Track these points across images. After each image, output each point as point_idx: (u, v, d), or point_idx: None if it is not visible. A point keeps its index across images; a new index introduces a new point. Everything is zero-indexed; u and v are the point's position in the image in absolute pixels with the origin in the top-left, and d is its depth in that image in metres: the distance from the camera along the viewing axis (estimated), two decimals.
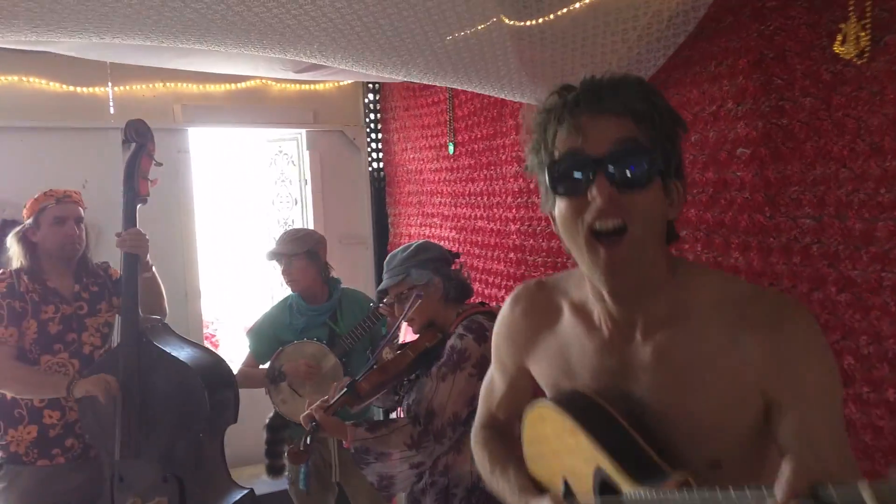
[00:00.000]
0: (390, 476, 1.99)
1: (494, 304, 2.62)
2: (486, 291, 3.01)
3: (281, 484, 3.10)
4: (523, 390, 1.28)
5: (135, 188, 2.46)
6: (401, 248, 2.22)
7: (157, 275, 2.60)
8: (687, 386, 1.00)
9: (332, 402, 2.01)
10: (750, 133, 1.80)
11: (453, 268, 2.20)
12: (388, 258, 2.20)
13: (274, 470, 2.77)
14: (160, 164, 2.61)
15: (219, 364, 2.54)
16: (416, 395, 2.08)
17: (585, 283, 1.08)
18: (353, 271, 3.85)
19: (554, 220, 1.03)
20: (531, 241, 2.69)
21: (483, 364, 1.99)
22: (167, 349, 2.41)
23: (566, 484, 1.08)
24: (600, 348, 1.07)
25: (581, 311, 1.11)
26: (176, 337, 2.54)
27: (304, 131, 4.06)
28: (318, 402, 2.02)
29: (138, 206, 2.49)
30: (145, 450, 2.35)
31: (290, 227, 2.89)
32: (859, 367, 1.59)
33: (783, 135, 1.72)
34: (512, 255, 2.83)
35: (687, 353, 1.00)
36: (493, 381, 1.33)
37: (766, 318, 0.97)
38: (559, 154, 0.98)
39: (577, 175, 0.96)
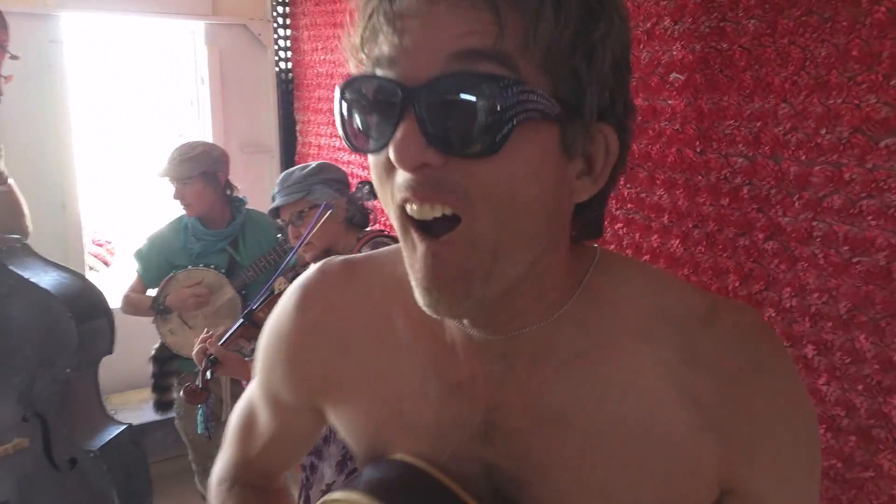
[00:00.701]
0: None
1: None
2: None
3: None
4: (303, 434, 0.84)
5: None
6: (298, 166, 2.05)
7: (15, 188, 2.27)
8: (600, 465, 0.61)
9: (228, 334, 1.81)
10: (686, 56, 1.60)
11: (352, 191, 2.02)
12: (282, 176, 2.00)
13: (161, 405, 2.56)
14: (16, 58, 2.23)
15: (89, 290, 2.27)
16: None
17: None
18: (256, 183, 3.55)
19: None
20: None
21: None
22: (25, 275, 2.12)
23: None
24: (454, 388, 0.65)
25: (423, 323, 0.66)
26: (38, 260, 2.24)
27: (201, 23, 3.61)
28: (206, 335, 1.81)
29: None
30: (0, 388, 2.10)
31: (185, 141, 2.55)
32: (780, 320, 1.49)
33: (722, 60, 1.54)
34: None
35: (602, 410, 0.61)
36: (254, 415, 0.84)
37: (733, 361, 0.60)
38: (361, 70, 0.56)
39: (382, 114, 0.53)
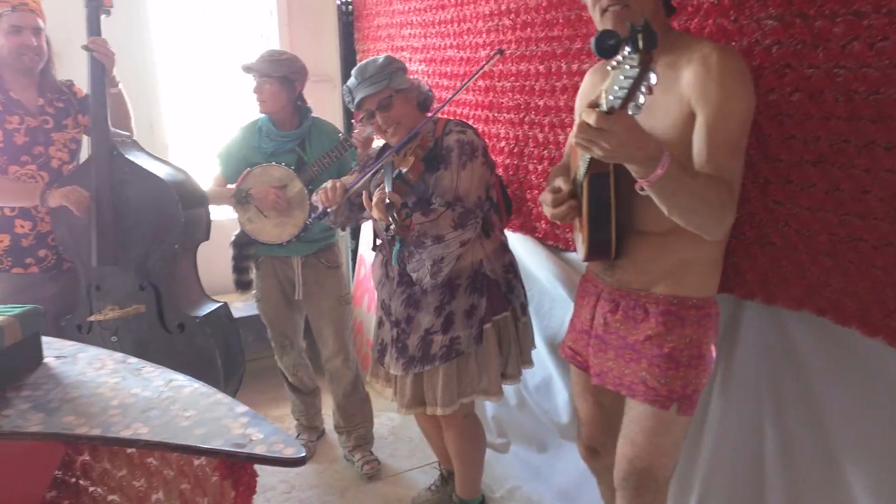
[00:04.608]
0: (441, 258, 2.10)
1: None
2: None
3: (250, 310, 3.22)
4: None
5: None
6: (368, 59, 2.22)
7: (123, 92, 2.57)
8: (657, 108, 1.57)
9: (391, 189, 2.04)
10: None
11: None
12: (358, 69, 2.18)
13: (241, 284, 2.88)
14: None
15: (190, 181, 2.57)
16: (431, 189, 2.15)
17: None
18: (320, 110, 3.79)
19: None
20: (499, 66, 2.69)
21: (487, 154, 2.12)
22: (139, 163, 2.42)
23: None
24: None
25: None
26: (146, 154, 2.55)
27: None
28: (380, 192, 2.04)
29: (102, 17, 2.42)
30: (121, 258, 2.42)
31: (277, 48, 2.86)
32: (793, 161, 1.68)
33: None
34: (481, 82, 2.84)
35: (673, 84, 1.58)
36: None
37: (708, 58, 1.51)
38: None
39: None
